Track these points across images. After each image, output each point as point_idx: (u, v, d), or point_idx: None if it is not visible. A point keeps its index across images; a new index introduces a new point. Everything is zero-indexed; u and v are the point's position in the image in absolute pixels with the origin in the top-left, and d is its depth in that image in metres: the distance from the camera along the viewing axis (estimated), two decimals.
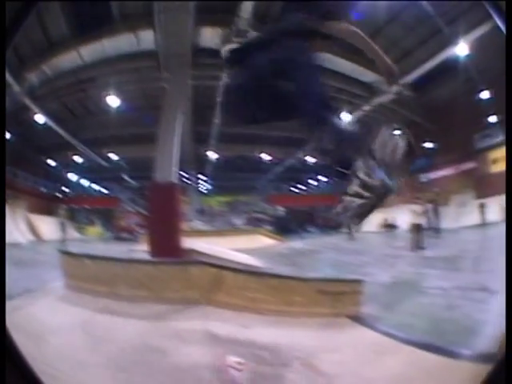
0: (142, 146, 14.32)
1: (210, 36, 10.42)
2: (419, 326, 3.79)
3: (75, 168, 15.34)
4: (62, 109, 12.01)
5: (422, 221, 9.81)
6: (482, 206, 13.44)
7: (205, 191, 28.99)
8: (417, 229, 9.71)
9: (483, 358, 2.41)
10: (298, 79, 1.53)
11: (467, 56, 9.77)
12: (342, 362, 2.72)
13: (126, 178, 19.05)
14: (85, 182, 16.92)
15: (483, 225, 12.57)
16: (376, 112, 15.14)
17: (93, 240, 13.66)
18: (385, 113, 15.45)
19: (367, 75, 11.88)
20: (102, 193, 18.49)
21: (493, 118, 13.80)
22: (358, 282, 4.45)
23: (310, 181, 27.14)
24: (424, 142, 17.35)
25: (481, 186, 15.08)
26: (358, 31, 1.74)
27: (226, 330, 2.98)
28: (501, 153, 14.09)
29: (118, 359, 2.21)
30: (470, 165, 16.07)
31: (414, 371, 2.64)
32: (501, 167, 14.24)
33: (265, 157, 19.30)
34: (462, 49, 9.33)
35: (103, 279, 3.87)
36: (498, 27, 1.49)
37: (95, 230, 15.08)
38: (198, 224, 20.43)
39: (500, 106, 10.57)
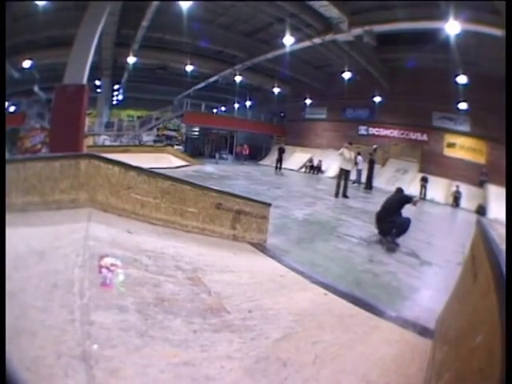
0: (58, 50, 13.06)
1: None
2: (334, 270, 4.10)
3: None
4: None
5: (349, 167, 10.57)
6: (423, 180, 15.02)
7: (116, 102, 27.33)
8: (342, 174, 10.44)
9: (412, 326, 2.72)
10: None
11: (456, 35, 10.24)
12: (236, 284, 2.84)
13: (36, 89, 18.82)
14: None
15: (421, 199, 14.16)
16: (326, 48, 15.48)
17: None
18: (336, 52, 15.86)
19: (329, 10, 12.00)
20: (8, 111, 17.46)
21: (462, 105, 15.42)
22: (263, 204, 4.68)
23: (235, 104, 27.26)
24: (372, 95, 18.48)
25: (427, 162, 16.82)
26: None
27: (109, 233, 2.95)
28: (460, 141, 16.07)
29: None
30: (420, 136, 17.75)
31: (322, 312, 2.82)
32: (457, 154, 16.19)
33: (189, 69, 18.74)
34: (452, 26, 9.75)
35: None
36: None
37: None
38: (105, 139, 19.62)
39: (474, 97, 11.70)
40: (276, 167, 17.73)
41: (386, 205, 5.83)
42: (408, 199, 5.81)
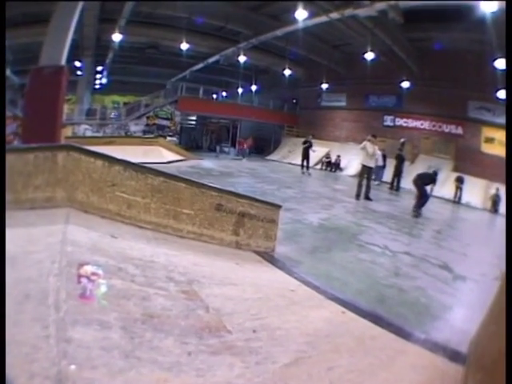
0: (33, 28, 13.14)
1: None
2: (354, 284, 4.13)
3: None
4: None
5: (372, 164, 10.55)
6: (458, 181, 14.91)
7: (99, 87, 27.49)
8: (365, 173, 10.42)
9: (442, 350, 2.68)
10: None
11: (493, 14, 10.17)
12: (238, 299, 2.83)
13: (7, 73, 18.54)
14: None
15: (455, 202, 14.11)
16: (345, 24, 15.43)
17: None
18: (357, 29, 15.80)
19: None
20: None
21: (502, 94, 15.09)
22: (272, 206, 4.67)
23: (239, 89, 27.21)
24: (399, 80, 18.40)
25: (462, 159, 16.76)
26: None
27: (89, 237, 2.96)
28: (500, 136, 15.79)
29: None
30: (454, 129, 17.66)
31: (339, 333, 2.80)
32: (496, 151, 15.96)
33: (185, 48, 18.75)
34: (488, 3, 9.68)
35: None
36: None
37: None
38: (85, 129, 19.74)
39: None
40: (302, 166, 17.11)
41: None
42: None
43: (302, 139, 19.65)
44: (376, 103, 20.72)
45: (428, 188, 9.81)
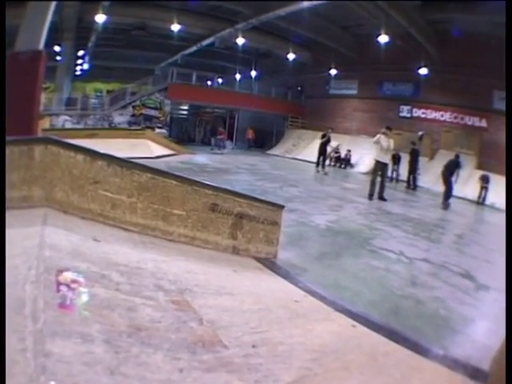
0: (8, 9, 13.10)
1: None
2: (366, 295, 4.16)
3: None
4: None
5: (387, 160, 10.57)
6: (483, 180, 14.89)
7: (80, 73, 27.46)
8: (379, 169, 10.42)
9: (463, 367, 2.71)
10: None
11: None
12: (236, 311, 2.83)
13: None
14: None
15: (479, 203, 14.09)
16: (357, 3, 15.43)
17: None
18: (369, 9, 15.79)
19: None
20: None
21: None
22: (274, 206, 4.68)
23: (237, 75, 27.11)
24: (417, 66, 18.38)
25: (487, 155, 16.73)
26: None
27: (70, 240, 2.97)
28: None
29: None
30: (478, 122, 17.65)
31: (348, 349, 2.80)
32: None
33: (176, 29, 18.73)
34: None
35: None
36: None
37: None
38: (65, 120, 19.69)
39: None
40: (317, 164, 16.76)
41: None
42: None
43: (308, 131, 19.64)
44: (391, 91, 20.74)
45: (454, 177, 11.35)
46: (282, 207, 4.78)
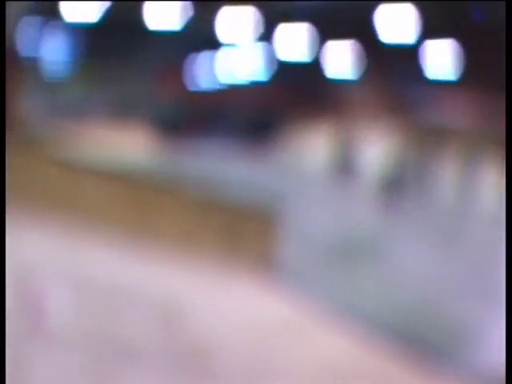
0: None
1: None
2: (372, 310, 4.11)
3: None
4: None
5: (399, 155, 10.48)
6: None
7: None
8: (389, 166, 10.30)
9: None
10: None
11: None
12: (231, 326, 2.86)
13: None
14: None
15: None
16: None
17: None
18: None
19: None
20: None
21: None
22: (269, 209, 4.62)
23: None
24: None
25: None
26: None
27: (52, 251, 2.96)
28: None
29: None
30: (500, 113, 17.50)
31: (355, 368, 2.79)
32: None
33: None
34: None
35: None
36: None
37: None
38: None
39: None
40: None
41: None
42: None
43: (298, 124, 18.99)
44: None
45: None
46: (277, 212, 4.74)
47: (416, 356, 3.13)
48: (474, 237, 7.73)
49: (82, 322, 2.41)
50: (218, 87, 13.01)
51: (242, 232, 4.37)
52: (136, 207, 3.94)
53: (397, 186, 10.46)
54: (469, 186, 10.73)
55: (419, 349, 3.31)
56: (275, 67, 13.20)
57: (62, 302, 2.49)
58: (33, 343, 1.99)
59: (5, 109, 1.61)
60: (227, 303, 3.46)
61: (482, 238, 6.14)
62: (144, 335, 2.46)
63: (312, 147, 12.25)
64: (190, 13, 13.76)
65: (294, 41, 13.37)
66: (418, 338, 3.65)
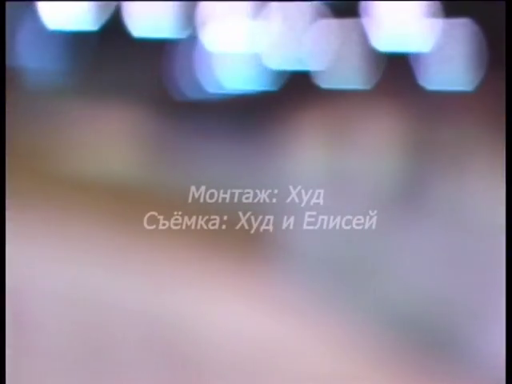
0: None
1: None
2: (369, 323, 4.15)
3: None
4: None
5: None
6: None
7: None
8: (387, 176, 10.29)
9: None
10: None
11: None
12: (226, 339, 2.86)
13: None
14: None
15: None
16: None
17: None
18: None
19: None
20: None
21: None
22: None
23: None
24: None
25: None
26: None
27: (49, 263, 2.97)
28: None
29: None
30: None
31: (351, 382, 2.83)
32: None
33: None
34: None
35: None
36: None
37: None
38: None
39: None
40: None
41: None
42: None
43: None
44: None
45: None
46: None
47: (415, 369, 3.11)
48: (474, 246, 7.69)
49: (71, 335, 2.42)
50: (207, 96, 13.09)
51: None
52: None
53: (394, 195, 10.42)
54: (467, 196, 10.59)
55: (419, 362, 3.29)
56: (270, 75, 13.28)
57: (56, 317, 2.49)
58: (25, 357, 1.99)
59: (5, 109, 1.62)
60: (219, 314, 3.45)
61: (482, 247, 6.07)
62: (135, 348, 2.46)
63: (309, 153, 12.28)
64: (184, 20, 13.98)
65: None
66: (418, 350, 3.63)
